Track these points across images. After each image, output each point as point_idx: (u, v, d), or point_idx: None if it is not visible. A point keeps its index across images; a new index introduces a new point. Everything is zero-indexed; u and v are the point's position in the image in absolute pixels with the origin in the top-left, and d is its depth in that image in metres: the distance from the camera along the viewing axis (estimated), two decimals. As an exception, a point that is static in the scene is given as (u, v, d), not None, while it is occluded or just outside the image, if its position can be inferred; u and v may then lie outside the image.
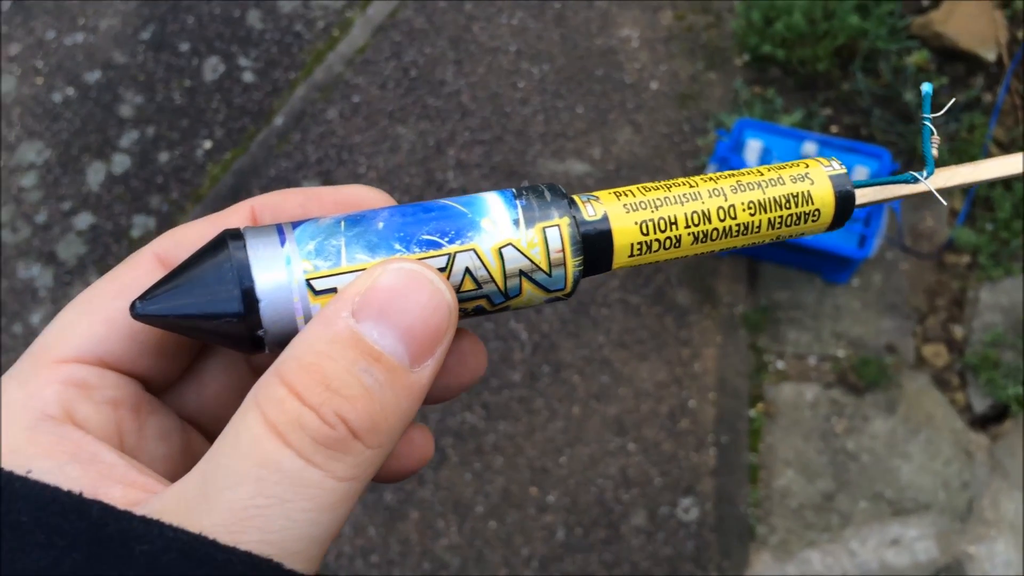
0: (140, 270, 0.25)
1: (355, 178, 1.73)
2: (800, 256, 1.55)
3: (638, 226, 0.26)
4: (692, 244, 0.27)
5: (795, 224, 0.28)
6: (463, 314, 0.25)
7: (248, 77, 1.86)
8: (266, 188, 1.74)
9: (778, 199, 0.27)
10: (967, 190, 1.63)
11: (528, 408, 1.55)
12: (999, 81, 1.70)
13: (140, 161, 1.80)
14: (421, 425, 0.29)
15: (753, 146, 1.53)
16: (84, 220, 1.75)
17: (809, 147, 1.51)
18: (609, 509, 1.48)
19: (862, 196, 0.29)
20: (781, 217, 0.27)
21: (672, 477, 1.49)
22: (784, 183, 0.27)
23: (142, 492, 0.22)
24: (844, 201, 0.28)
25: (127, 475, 0.22)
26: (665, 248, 0.27)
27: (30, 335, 1.66)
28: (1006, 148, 1.66)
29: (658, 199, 0.27)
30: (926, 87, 0.30)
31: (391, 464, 0.28)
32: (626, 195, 0.27)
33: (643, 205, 0.26)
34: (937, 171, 0.30)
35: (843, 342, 1.56)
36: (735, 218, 0.27)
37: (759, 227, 0.27)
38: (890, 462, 1.47)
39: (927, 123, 0.30)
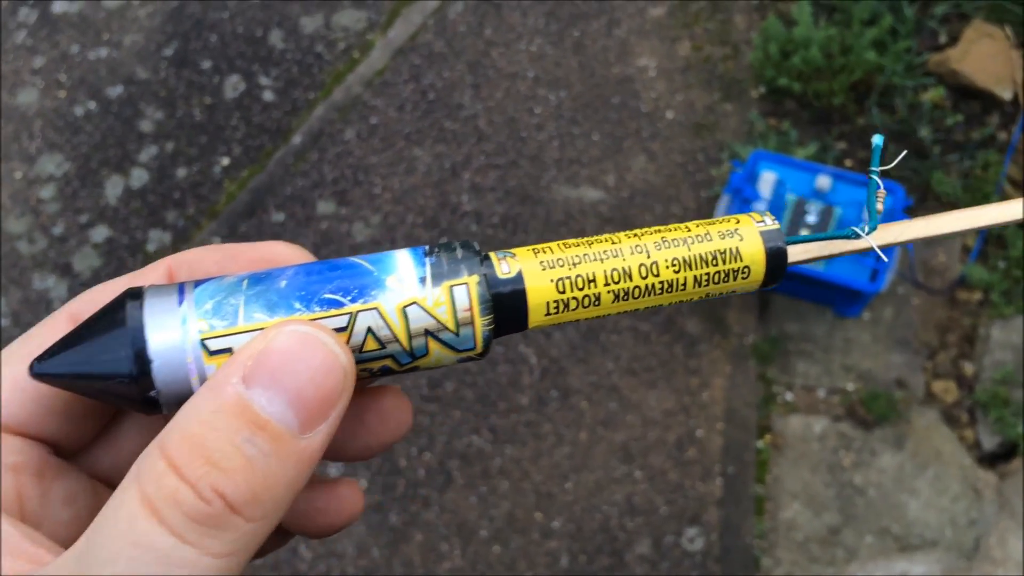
0: (54, 331, 0.25)
1: (370, 198, 1.75)
2: (811, 289, 1.55)
3: (554, 284, 0.25)
4: (613, 302, 0.26)
5: (723, 282, 0.27)
6: (369, 374, 0.25)
7: (268, 96, 1.88)
8: (282, 206, 1.76)
9: (704, 256, 0.26)
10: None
11: (535, 433, 1.55)
12: (1015, 120, 1.70)
13: (158, 176, 1.82)
14: (350, 480, 0.29)
15: (767, 178, 1.53)
16: (100, 233, 1.77)
17: (823, 180, 1.52)
18: (614, 537, 1.48)
19: (797, 253, 0.28)
20: (708, 275, 0.27)
21: (678, 506, 1.49)
22: (711, 239, 0.27)
23: (28, 564, 0.22)
24: (775, 258, 0.27)
25: (18, 546, 0.22)
26: (584, 306, 0.26)
27: (43, 345, 1.67)
28: (1020, 187, 1.66)
29: (577, 256, 0.26)
30: (877, 139, 0.29)
31: (318, 520, 0.28)
32: (544, 252, 0.26)
33: (560, 262, 0.26)
34: (883, 226, 0.29)
35: (853, 375, 1.55)
36: (658, 275, 0.26)
37: (684, 285, 0.26)
38: (897, 497, 1.46)
39: (874, 176, 0.29)
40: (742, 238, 0.27)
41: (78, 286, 1.72)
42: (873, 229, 0.28)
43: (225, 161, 1.83)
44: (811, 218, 1.51)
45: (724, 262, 0.27)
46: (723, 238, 0.27)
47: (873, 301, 1.59)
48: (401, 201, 1.74)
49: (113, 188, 1.81)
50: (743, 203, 1.52)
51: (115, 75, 1.91)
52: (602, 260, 0.26)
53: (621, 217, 1.69)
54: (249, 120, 1.86)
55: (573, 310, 0.26)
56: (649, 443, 1.53)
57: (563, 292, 0.25)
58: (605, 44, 1.88)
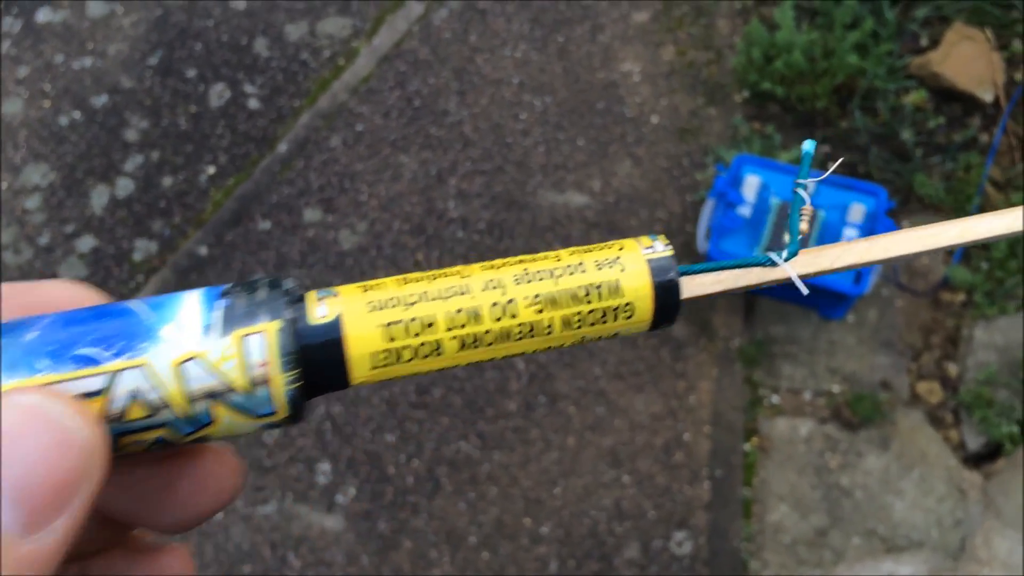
0: None
1: (356, 206, 1.75)
2: (796, 292, 1.56)
3: (382, 329, 0.21)
4: (459, 351, 0.21)
5: (600, 323, 0.22)
6: (142, 447, 0.20)
7: (253, 104, 1.88)
8: (268, 214, 1.76)
9: (575, 292, 0.22)
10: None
11: (523, 438, 1.55)
12: (996, 122, 1.71)
13: (144, 185, 1.82)
14: (176, 547, 0.25)
15: (751, 182, 1.54)
16: (86, 243, 1.77)
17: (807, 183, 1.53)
18: (602, 541, 1.48)
19: (702, 286, 0.23)
20: (579, 315, 0.22)
21: (666, 510, 1.49)
22: (585, 270, 0.22)
23: None
24: (665, 293, 0.22)
25: None
26: (422, 357, 0.21)
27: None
28: (1002, 188, 1.67)
29: (414, 294, 0.21)
30: (807, 145, 0.25)
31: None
32: (375, 288, 0.21)
33: (393, 302, 0.21)
34: (813, 251, 0.24)
35: (838, 378, 1.56)
36: (516, 317, 0.21)
37: (550, 328, 0.22)
38: (883, 499, 1.47)
39: (799, 190, 0.24)
40: (624, 268, 0.22)
41: (64, 296, 1.72)
42: (792, 255, 0.23)
43: (211, 170, 1.83)
44: (795, 222, 1.51)
45: (600, 299, 0.22)
46: (600, 269, 0.22)
47: (857, 303, 1.60)
48: (387, 208, 1.75)
49: (99, 198, 1.81)
50: (727, 207, 1.52)
51: (100, 84, 1.91)
52: (446, 298, 0.21)
53: (607, 222, 1.70)
54: (235, 128, 1.86)
55: (408, 361, 0.21)
56: (637, 447, 1.53)
57: (394, 340, 0.21)
58: (589, 50, 1.88)
